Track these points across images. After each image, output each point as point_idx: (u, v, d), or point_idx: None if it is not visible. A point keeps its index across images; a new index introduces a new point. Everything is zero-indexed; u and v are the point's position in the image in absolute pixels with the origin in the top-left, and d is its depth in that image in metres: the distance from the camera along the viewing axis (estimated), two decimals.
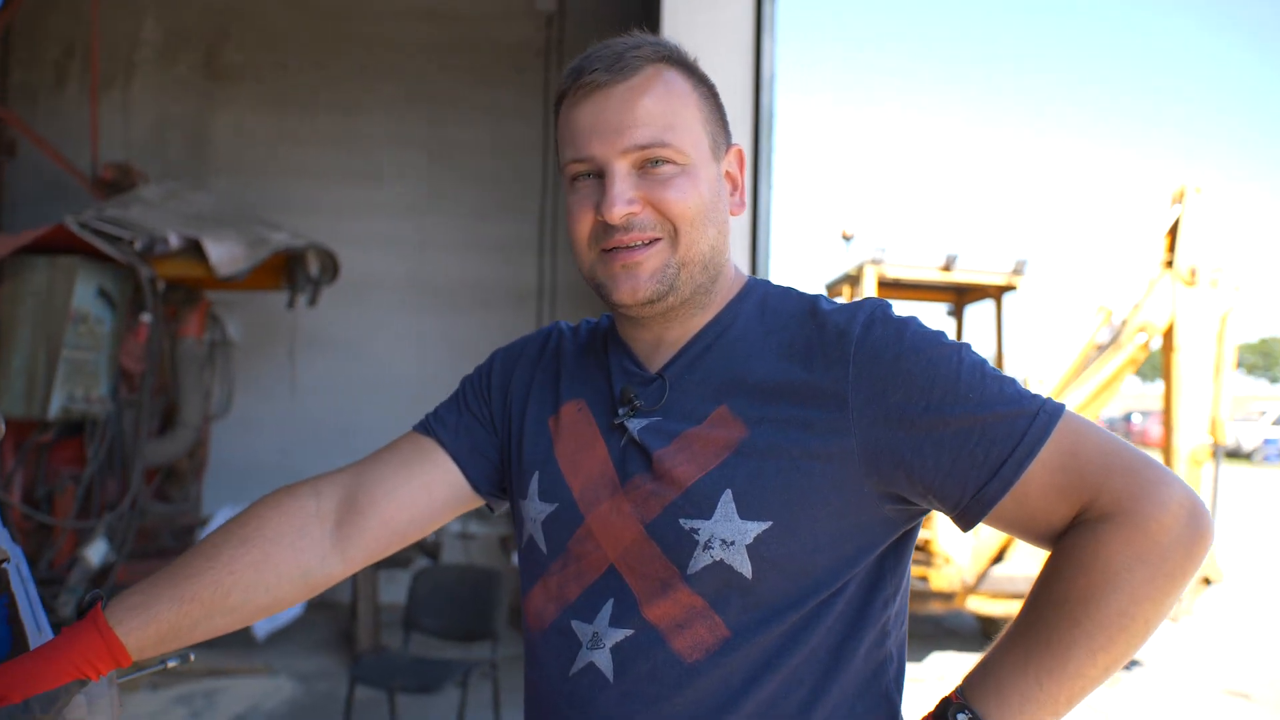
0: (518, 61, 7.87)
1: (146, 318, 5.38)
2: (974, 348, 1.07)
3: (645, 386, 1.17)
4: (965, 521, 1.05)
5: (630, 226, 1.09)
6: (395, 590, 6.00)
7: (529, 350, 1.34)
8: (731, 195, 1.19)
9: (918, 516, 1.13)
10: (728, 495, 1.06)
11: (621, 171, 1.09)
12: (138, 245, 5.16)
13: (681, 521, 1.07)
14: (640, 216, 1.09)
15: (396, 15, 7.81)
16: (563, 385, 1.26)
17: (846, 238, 8.66)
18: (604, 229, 1.10)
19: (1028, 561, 6.93)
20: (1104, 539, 0.98)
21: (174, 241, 5.28)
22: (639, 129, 1.08)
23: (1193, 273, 7.11)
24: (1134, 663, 7.19)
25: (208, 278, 5.48)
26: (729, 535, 1.05)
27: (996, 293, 7.89)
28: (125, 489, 5.31)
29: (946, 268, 7.53)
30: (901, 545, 1.14)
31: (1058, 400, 1.04)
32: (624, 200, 1.08)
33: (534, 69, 7.85)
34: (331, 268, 6.16)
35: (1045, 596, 1.02)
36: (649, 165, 1.09)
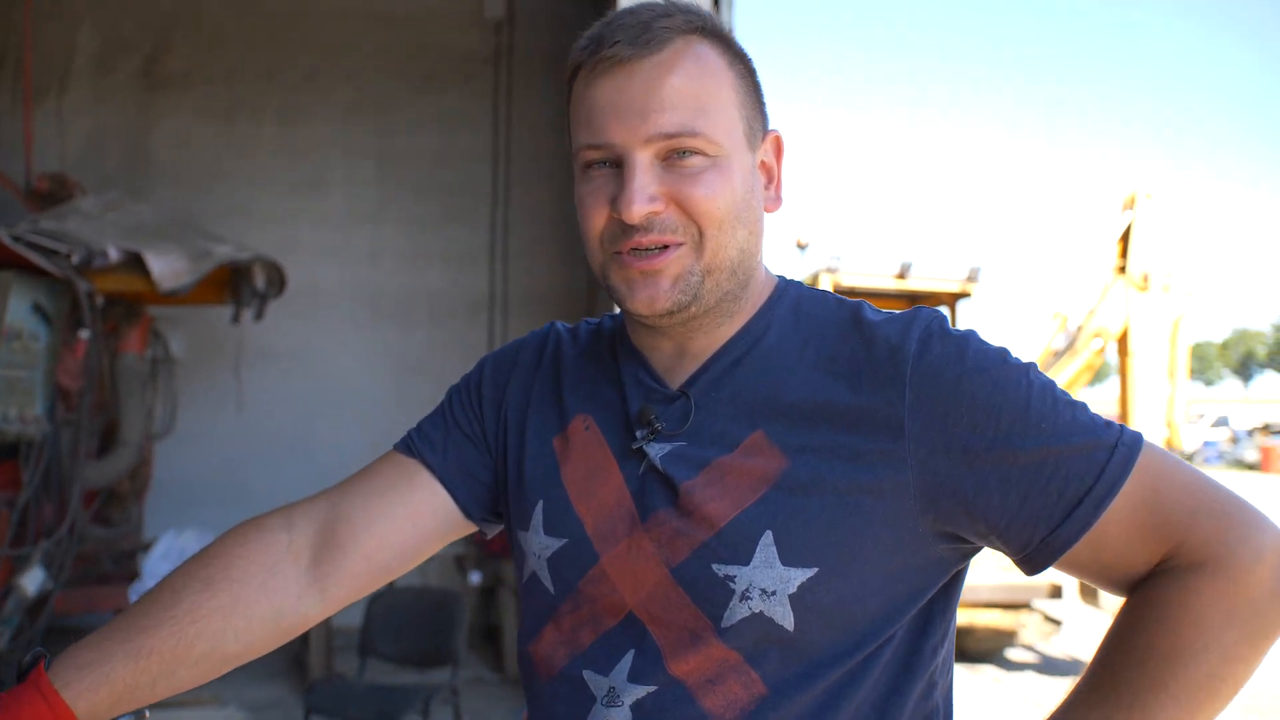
0: (467, 69, 7.80)
1: (84, 334, 5.19)
2: (1039, 367, 0.96)
3: (666, 405, 1.03)
4: (1031, 566, 0.95)
5: (650, 227, 0.95)
6: (349, 614, 5.79)
7: (524, 356, 1.19)
8: (766, 189, 1.04)
9: (971, 555, 1.01)
10: (768, 537, 0.93)
11: (643, 163, 0.94)
12: (75, 258, 5.00)
13: (715, 567, 0.94)
14: (663, 216, 0.95)
15: (344, 21, 7.68)
16: (566, 398, 1.12)
17: (801, 246, 8.65)
18: (620, 228, 0.96)
19: (990, 570, 6.91)
20: (1194, 590, 0.89)
21: (113, 255, 5.12)
22: (666, 114, 0.93)
23: (1145, 278, 7.21)
24: (1078, 660, 7.20)
25: (149, 292, 5.31)
26: (769, 584, 0.93)
27: (951, 300, 7.92)
28: (63, 513, 5.10)
29: (901, 275, 7.57)
30: (950, 587, 1.02)
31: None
32: (645, 197, 0.94)
33: (483, 76, 7.80)
34: (278, 280, 6.00)
35: (1127, 653, 0.92)
36: (675, 156, 0.95)
